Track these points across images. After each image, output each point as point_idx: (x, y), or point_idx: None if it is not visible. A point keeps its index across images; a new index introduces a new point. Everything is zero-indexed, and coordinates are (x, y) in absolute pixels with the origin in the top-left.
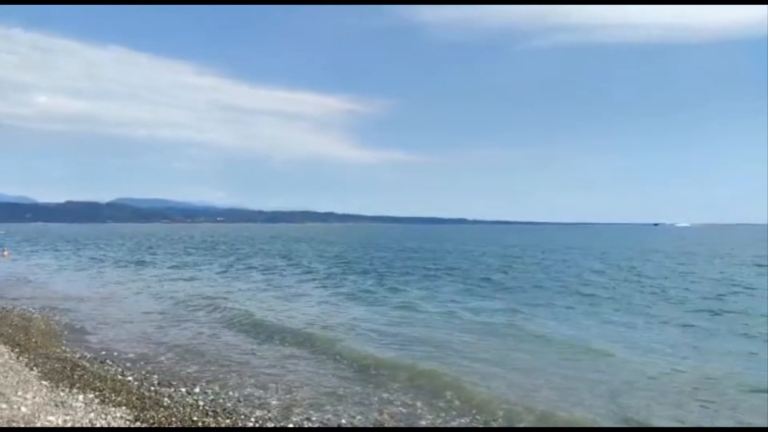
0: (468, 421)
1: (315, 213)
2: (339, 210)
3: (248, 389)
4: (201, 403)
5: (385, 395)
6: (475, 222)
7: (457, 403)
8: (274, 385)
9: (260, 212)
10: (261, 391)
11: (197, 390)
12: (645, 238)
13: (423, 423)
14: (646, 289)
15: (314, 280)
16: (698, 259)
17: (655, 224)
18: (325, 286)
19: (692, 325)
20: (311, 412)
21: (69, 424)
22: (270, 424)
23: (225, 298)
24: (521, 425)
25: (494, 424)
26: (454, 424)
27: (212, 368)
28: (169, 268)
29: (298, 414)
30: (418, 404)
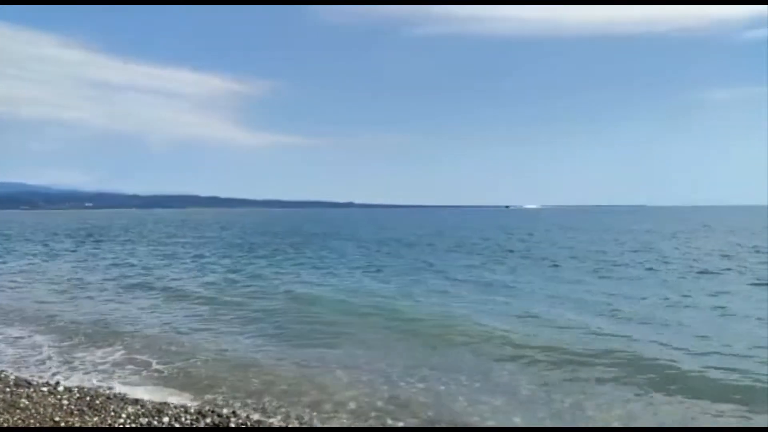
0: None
1: (197, 197)
2: (223, 194)
3: (119, 386)
4: (65, 402)
5: (269, 377)
6: (363, 206)
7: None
8: (149, 377)
9: (135, 197)
10: (135, 386)
11: (61, 388)
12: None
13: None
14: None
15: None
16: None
17: (507, 206)
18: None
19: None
20: (188, 403)
21: None
22: (143, 420)
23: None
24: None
25: None
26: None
27: (78, 364)
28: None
29: (174, 407)
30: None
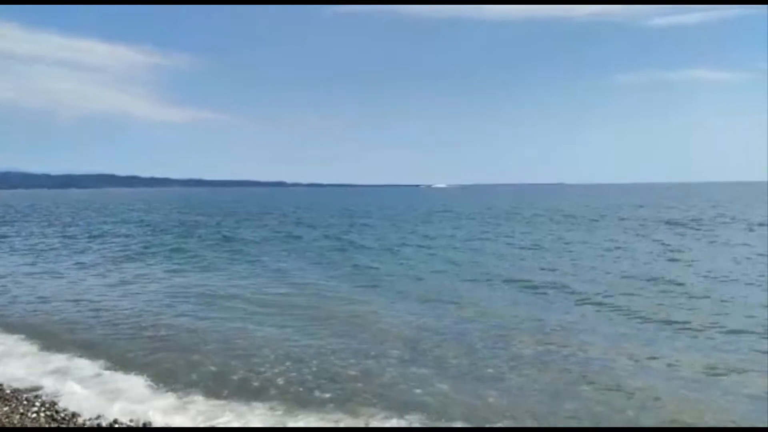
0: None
1: (115, 177)
2: (144, 173)
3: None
4: None
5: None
6: (294, 185)
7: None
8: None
9: (47, 176)
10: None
11: None
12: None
13: None
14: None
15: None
16: None
17: (417, 186)
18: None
19: None
20: None
21: None
22: (60, 406)
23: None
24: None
25: None
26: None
27: None
28: None
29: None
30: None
